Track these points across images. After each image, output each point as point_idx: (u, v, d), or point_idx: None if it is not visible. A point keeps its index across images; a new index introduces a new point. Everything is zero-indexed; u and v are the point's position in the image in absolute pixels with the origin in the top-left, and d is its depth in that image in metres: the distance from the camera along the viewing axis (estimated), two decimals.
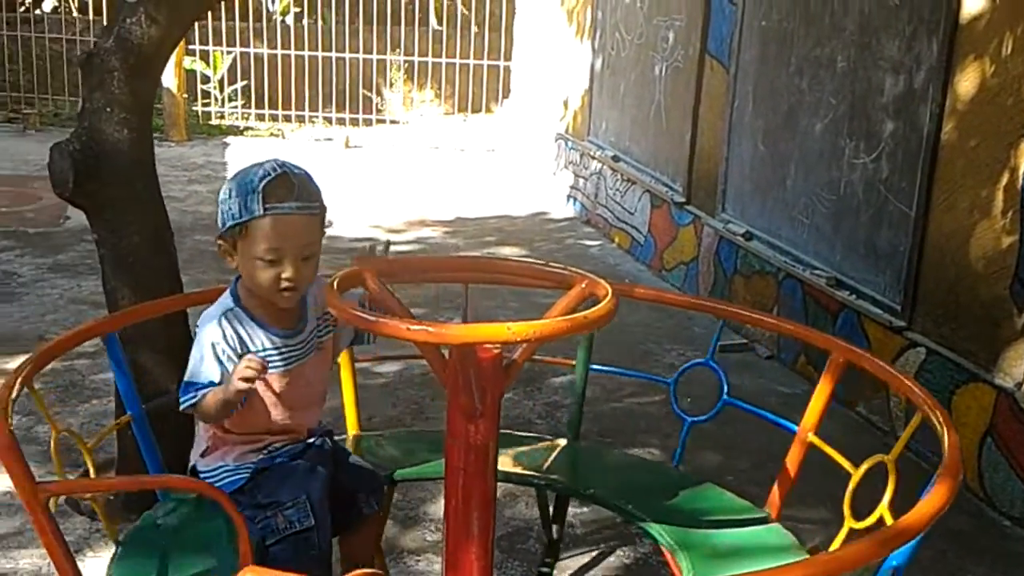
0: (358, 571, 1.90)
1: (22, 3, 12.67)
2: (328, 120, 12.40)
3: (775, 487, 2.65)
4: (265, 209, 2.24)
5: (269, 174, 2.27)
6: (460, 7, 12.99)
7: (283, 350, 2.38)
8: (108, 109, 3.27)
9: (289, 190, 2.26)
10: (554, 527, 3.31)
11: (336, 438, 2.61)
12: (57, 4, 13.28)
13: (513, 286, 3.28)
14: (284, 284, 2.29)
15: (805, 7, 5.36)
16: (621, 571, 3.45)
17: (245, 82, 12.42)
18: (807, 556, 2.40)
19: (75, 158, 3.23)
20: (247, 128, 12.19)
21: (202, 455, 2.45)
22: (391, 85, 13.10)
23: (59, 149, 3.26)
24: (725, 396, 2.82)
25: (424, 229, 8.06)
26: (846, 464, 2.40)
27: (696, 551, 2.42)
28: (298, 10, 13.41)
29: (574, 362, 3.06)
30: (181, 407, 2.32)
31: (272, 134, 12.06)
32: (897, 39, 4.63)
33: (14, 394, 2.05)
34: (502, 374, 2.06)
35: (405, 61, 12.57)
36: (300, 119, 12.36)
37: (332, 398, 2.69)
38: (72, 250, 6.78)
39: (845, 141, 5.01)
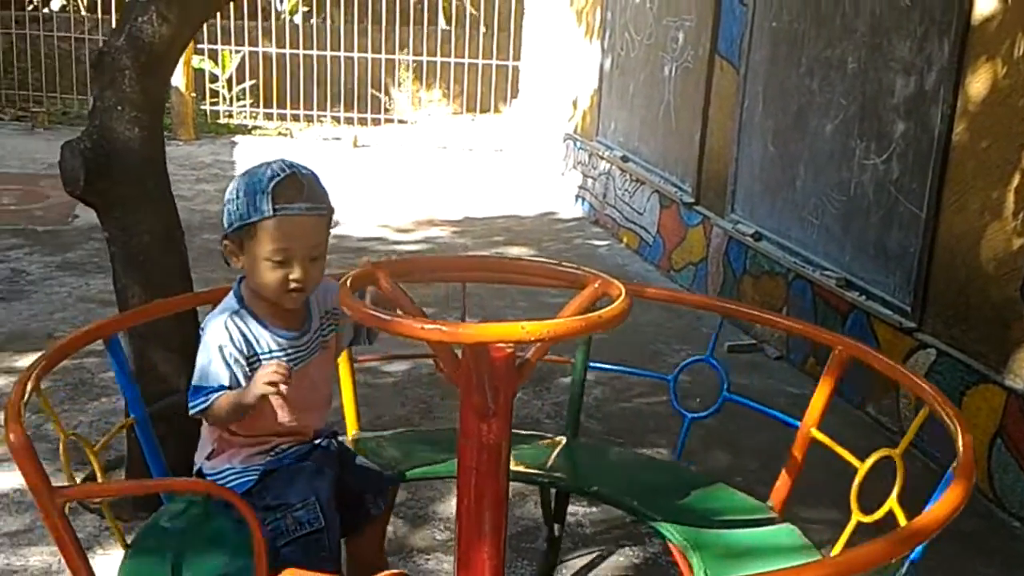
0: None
1: (30, 2, 12.71)
2: (336, 119, 12.40)
3: (779, 482, 2.65)
4: (275, 210, 2.24)
5: (278, 174, 2.26)
6: (468, 7, 12.98)
7: (289, 351, 2.37)
8: (119, 107, 3.27)
9: (298, 191, 2.26)
10: (555, 525, 3.30)
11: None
12: (65, 3, 13.32)
13: (525, 286, 3.27)
14: (292, 285, 2.29)
15: (816, 8, 5.35)
16: (630, 571, 3.44)
17: (253, 81, 12.44)
18: (820, 557, 2.40)
19: (86, 156, 3.23)
20: (255, 127, 12.20)
21: (208, 457, 2.44)
22: (399, 85, 13.10)
23: (70, 147, 3.26)
24: (725, 392, 2.83)
25: (432, 229, 8.06)
26: (851, 458, 2.39)
27: (708, 551, 2.41)
28: (306, 9, 13.44)
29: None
30: (191, 412, 2.31)
31: (280, 133, 12.06)
32: (908, 40, 4.61)
33: (25, 397, 2.04)
34: (515, 373, 2.05)
35: (413, 61, 12.56)
36: (308, 118, 12.36)
37: (333, 398, 2.69)
38: (80, 248, 6.80)
39: (855, 142, 5.00)
